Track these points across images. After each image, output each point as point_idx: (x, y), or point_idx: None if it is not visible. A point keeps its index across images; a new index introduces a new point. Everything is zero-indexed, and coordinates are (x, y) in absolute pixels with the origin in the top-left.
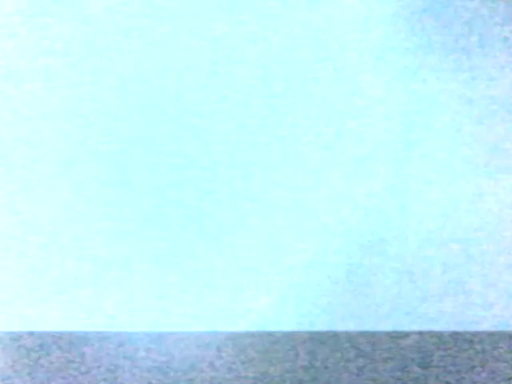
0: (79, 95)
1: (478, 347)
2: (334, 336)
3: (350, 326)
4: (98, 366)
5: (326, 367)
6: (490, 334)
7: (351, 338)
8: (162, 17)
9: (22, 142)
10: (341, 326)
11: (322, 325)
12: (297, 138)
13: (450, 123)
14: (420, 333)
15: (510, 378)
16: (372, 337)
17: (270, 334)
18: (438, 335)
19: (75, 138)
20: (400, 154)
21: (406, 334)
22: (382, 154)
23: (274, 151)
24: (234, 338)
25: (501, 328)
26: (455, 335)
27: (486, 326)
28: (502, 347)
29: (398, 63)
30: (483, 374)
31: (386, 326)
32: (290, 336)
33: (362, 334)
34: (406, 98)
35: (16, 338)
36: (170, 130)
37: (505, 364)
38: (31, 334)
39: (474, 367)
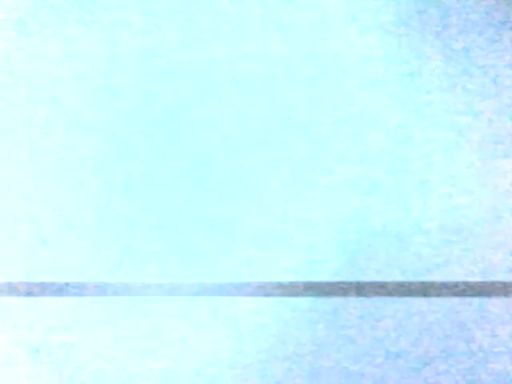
0: (78, 94)
1: None
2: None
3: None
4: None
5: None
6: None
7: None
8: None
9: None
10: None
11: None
12: (295, 138)
13: (449, 128)
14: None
15: None
16: None
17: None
18: None
19: (76, 136)
20: (398, 154)
21: None
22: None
23: (274, 151)
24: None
25: None
26: None
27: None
28: None
29: (396, 66)
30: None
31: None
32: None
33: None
34: (405, 101)
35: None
36: (169, 128)
37: None
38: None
39: None
